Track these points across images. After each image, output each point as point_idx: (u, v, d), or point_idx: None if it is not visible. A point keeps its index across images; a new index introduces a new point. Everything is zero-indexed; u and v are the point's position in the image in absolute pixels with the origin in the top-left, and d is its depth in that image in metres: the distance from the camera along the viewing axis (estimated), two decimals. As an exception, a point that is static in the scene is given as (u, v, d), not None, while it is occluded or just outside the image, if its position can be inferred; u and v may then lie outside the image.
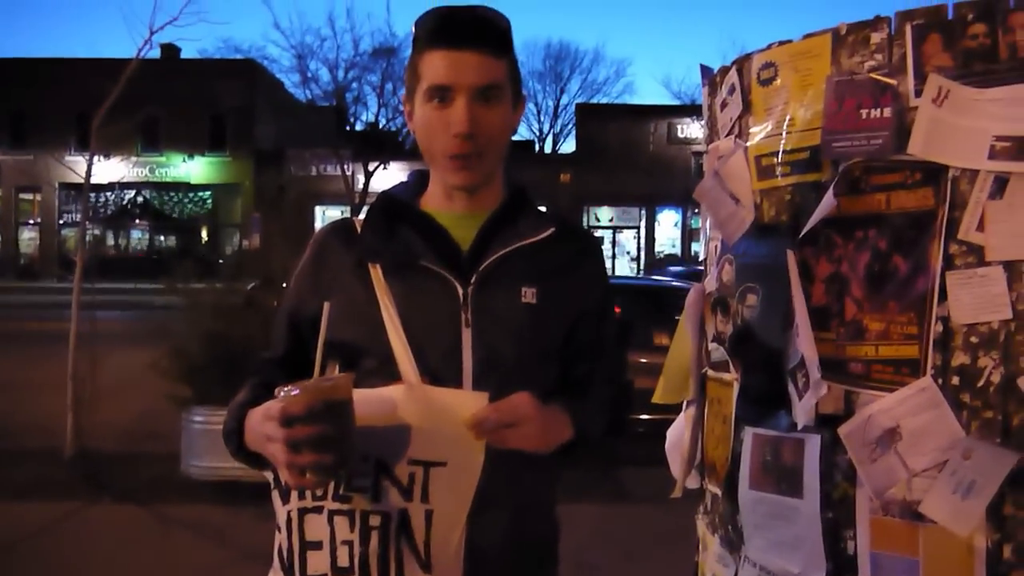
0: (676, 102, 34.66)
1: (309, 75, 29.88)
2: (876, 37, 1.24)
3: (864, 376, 1.24)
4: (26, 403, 7.85)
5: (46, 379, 7.30)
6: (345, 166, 28.46)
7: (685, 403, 1.64)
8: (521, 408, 1.28)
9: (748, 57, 1.44)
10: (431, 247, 1.39)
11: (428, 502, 1.29)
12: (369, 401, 1.28)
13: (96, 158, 7.34)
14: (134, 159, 29.77)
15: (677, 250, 31.04)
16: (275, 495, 1.38)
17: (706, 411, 1.58)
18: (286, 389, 1.17)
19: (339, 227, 1.49)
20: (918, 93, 1.19)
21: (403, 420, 1.29)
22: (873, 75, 1.23)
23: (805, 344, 1.26)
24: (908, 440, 1.18)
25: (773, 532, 1.34)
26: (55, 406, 6.46)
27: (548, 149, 40.95)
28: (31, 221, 32.96)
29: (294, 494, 1.34)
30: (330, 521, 1.31)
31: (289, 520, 1.35)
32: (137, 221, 32.75)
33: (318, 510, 1.32)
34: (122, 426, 7.03)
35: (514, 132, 1.48)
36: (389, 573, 1.28)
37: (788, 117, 1.35)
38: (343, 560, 1.30)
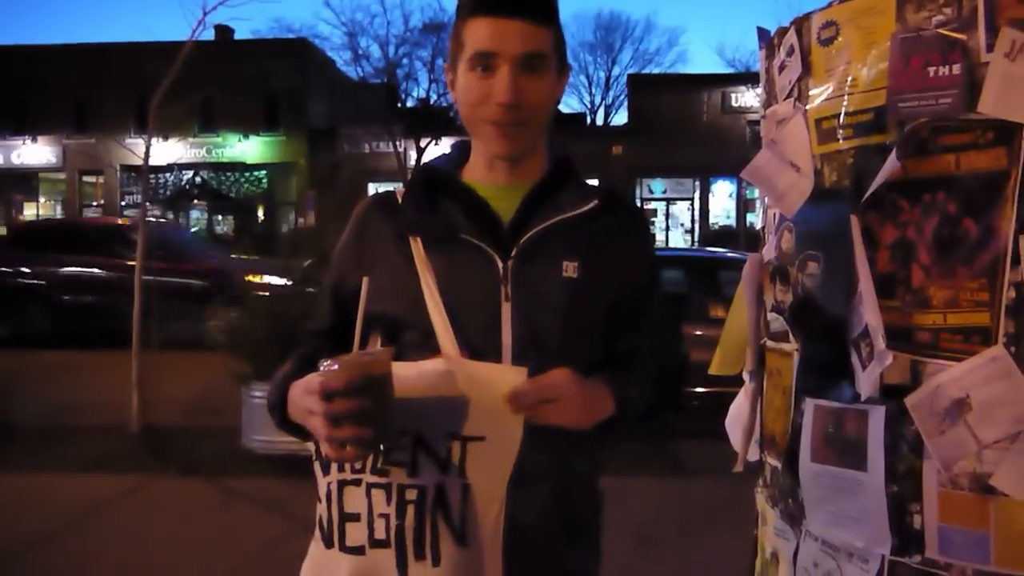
0: (730, 70, 34.08)
1: (360, 52, 30.19)
2: (944, -10, 1.18)
3: (932, 345, 1.20)
4: (94, 381, 8.10)
5: (111, 357, 7.49)
6: (397, 143, 28.58)
7: (747, 376, 1.60)
8: (560, 383, 1.27)
9: (807, 16, 1.39)
10: (471, 220, 1.38)
11: (465, 476, 1.29)
12: (408, 375, 1.27)
13: (155, 140, 7.49)
14: (191, 140, 30.23)
15: (732, 221, 30.56)
16: (316, 467, 1.39)
17: (765, 383, 1.54)
18: (326, 363, 1.18)
19: (381, 200, 1.48)
20: (990, 48, 1.13)
21: (442, 394, 1.29)
22: (942, 30, 1.17)
23: (870, 312, 1.22)
24: (979, 411, 1.14)
25: (836, 506, 1.31)
26: (121, 383, 6.63)
27: (600, 121, 40.59)
28: (94, 203, 33.73)
29: (334, 466, 1.35)
30: (368, 494, 1.32)
31: (329, 492, 1.36)
32: (195, 201, 33.33)
33: (357, 483, 1.33)
34: (185, 401, 7.21)
35: (558, 102, 1.45)
36: (424, 546, 1.28)
37: (850, 78, 1.29)
38: (380, 532, 1.30)
